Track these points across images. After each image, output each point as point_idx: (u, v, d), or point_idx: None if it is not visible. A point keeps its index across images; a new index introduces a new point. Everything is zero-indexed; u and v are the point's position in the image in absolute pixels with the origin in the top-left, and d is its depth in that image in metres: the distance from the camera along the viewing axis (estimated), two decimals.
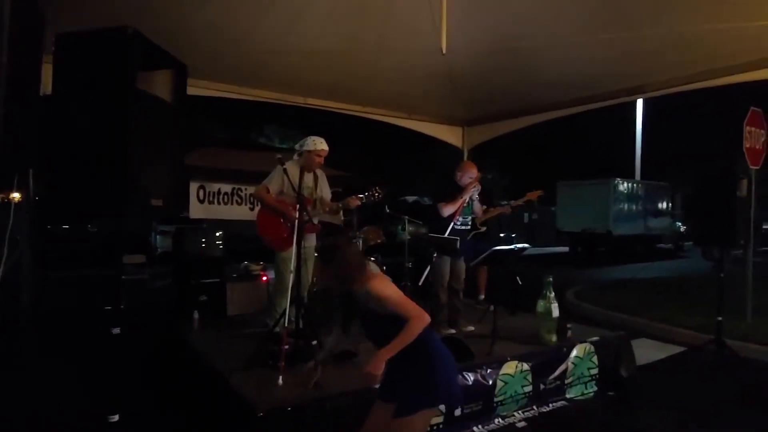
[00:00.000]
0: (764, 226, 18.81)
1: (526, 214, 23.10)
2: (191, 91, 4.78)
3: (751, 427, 3.64)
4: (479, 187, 4.67)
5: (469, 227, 4.83)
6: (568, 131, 24.89)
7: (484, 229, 5.61)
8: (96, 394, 3.31)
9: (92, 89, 2.24)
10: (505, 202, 5.60)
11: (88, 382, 3.86)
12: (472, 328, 4.61)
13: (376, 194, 4.25)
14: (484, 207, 5.59)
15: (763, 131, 6.72)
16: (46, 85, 2.37)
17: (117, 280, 2.83)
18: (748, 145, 6.50)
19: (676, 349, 5.58)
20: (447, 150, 8.38)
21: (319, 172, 4.32)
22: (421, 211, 5.51)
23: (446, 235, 4.43)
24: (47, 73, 2.33)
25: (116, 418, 2.48)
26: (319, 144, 4.12)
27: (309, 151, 4.12)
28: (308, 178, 4.17)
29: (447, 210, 4.54)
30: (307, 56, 4.88)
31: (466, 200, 4.61)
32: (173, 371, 4.26)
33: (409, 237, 5.63)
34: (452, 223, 4.54)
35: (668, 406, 4.01)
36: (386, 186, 4.34)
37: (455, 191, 4.60)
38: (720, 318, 5.09)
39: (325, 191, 4.39)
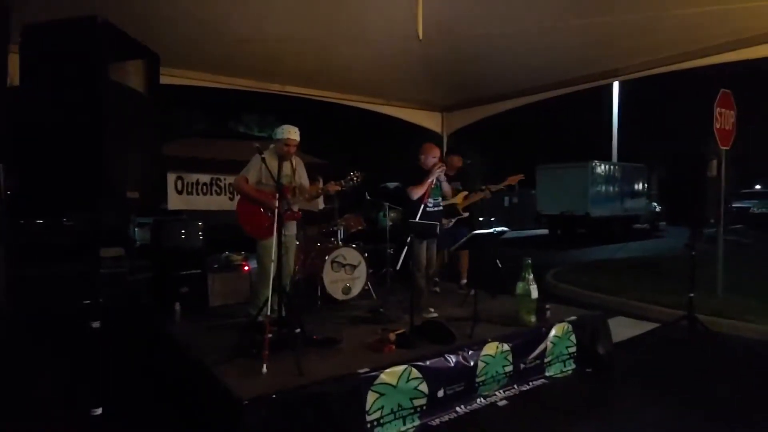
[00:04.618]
0: (734, 205, 19.42)
1: (506, 198, 23.37)
2: (167, 80, 4.70)
3: (720, 397, 3.80)
4: (444, 167, 4.76)
5: (441, 208, 4.92)
6: (546, 115, 25.14)
7: (467, 214, 5.67)
8: (78, 388, 3.30)
9: (62, 80, 2.19)
10: (484, 187, 5.65)
11: (70, 377, 3.84)
12: (435, 314, 4.62)
13: (355, 178, 4.25)
14: (465, 192, 5.66)
15: (732, 112, 6.89)
16: (13, 77, 2.31)
17: (95, 273, 2.80)
18: (718, 126, 6.66)
19: (651, 326, 5.76)
20: (427, 136, 8.39)
21: (296, 159, 4.30)
22: (403, 197, 5.54)
23: (418, 217, 4.49)
24: (14, 63, 2.27)
25: (99, 411, 2.48)
26: (287, 133, 4.07)
27: (278, 140, 4.10)
28: (286, 166, 4.15)
29: (416, 193, 4.65)
30: (284, 43, 4.83)
31: (434, 181, 4.69)
32: (156, 363, 4.25)
33: (390, 223, 5.67)
34: (423, 205, 4.60)
35: (643, 380, 4.17)
36: (364, 171, 4.34)
37: (423, 175, 4.68)
38: (692, 294, 5.25)
39: (304, 178, 4.38)
